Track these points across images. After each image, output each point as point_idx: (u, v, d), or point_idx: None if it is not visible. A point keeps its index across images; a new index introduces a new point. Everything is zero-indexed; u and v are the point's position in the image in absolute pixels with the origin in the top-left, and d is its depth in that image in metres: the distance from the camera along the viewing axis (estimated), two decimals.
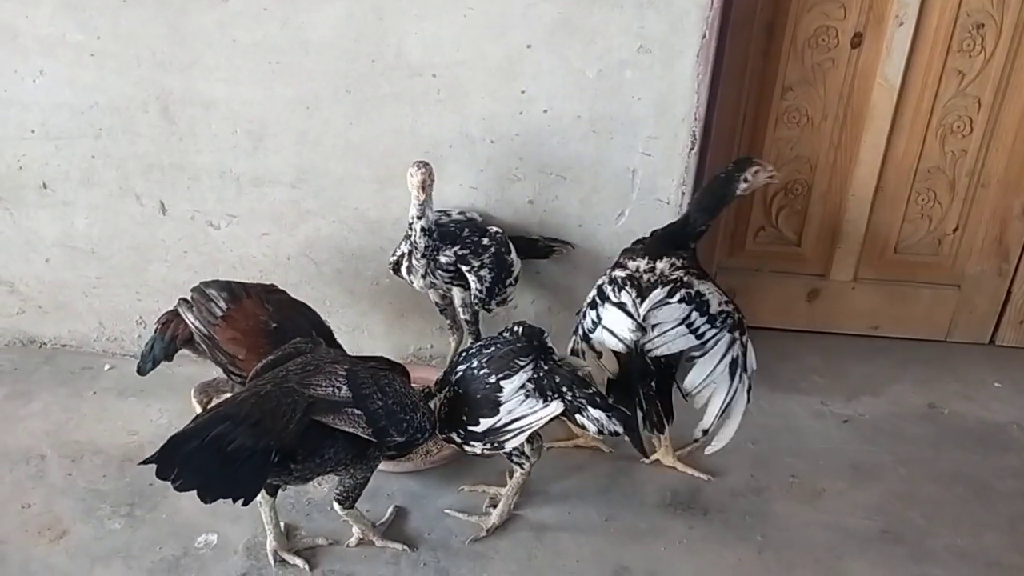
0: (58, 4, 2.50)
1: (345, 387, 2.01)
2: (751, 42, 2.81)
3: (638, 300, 2.35)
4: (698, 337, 2.36)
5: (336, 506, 2.24)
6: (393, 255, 2.60)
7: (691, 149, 2.60)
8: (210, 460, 1.80)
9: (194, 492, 1.79)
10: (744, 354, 2.40)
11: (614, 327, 2.36)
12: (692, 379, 2.38)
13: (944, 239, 3.11)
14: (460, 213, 2.65)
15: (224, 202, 2.74)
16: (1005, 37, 2.79)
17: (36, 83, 2.60)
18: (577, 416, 2.22)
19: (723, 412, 2.39)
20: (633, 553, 2.37)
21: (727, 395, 2.39)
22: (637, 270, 2.43)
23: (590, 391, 2.22)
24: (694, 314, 2.36)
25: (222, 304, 2.35)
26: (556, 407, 2.19)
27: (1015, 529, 2.52)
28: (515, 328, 2.29)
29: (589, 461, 2.66)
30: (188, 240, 2.80)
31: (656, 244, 2.48)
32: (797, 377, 3.04)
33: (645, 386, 2.43)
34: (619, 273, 2.43)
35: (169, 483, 1.78)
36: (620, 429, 2.23)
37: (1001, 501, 2.61)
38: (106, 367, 2.96)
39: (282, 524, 2.33)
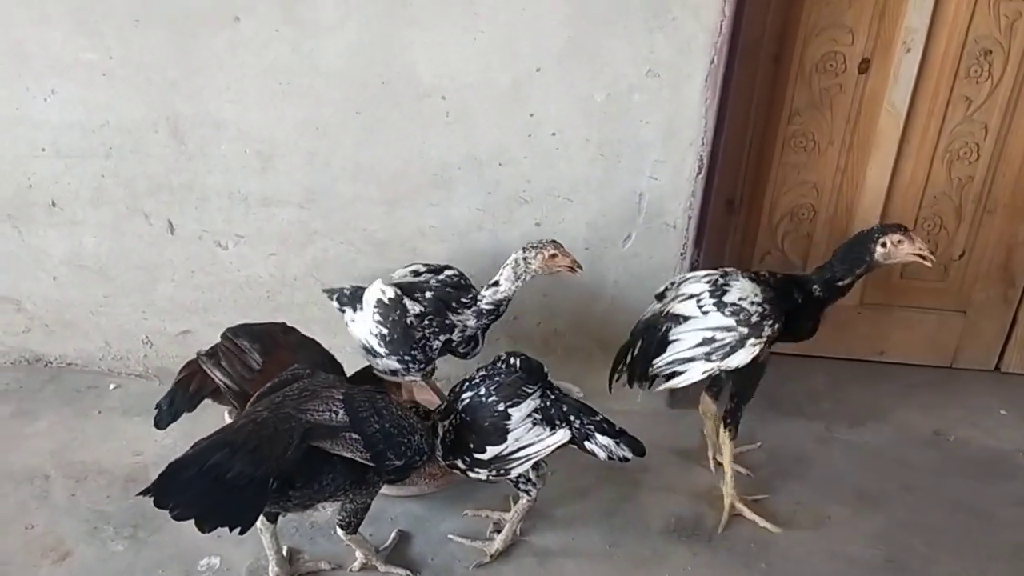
0: (71, 24, 2.51)
1: (342, 411, 2.00)
2: (759, 67, 2.82)
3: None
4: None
5: (339, 531, 2.23)
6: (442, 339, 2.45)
7: (698, 173, 2.61)
8: (208, 488, 1.80)
9: (192, 522, 1.78)
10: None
11: None
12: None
13: (950, 265, 3.11)
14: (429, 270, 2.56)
15: (232, 222, 2.75)
16: (1012, 64, 2.79)
17: (47, 102, 2.61)
18: (585, 443, 2.22)
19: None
20: None
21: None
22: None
23: (597, 418, 2.22)
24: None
25: (257, 357, 2.31)
26: (563, 435, 2.20)
27: (1019, 558, 2.51)
28: (512, 361, 2.27)
29: (594, 486, 2.66)
30: (196, 260, 2.81)
31: (784, 279, 2.46)
32: (802, 402, 3.03)
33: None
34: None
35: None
36: (629, 454, 2.23)
37: (1005, 530, 2.60)
38: (111, 386, 2.96)
39: (285, 548, 2.33)
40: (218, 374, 2.31)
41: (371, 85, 2.53)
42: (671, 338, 2.43)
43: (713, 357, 2.38)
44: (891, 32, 2.77)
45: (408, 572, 2.33)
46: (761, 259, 3.12)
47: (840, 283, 2.43)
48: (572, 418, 2.21)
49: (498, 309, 2.43)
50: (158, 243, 2.79)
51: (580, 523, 2.53)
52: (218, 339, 2.41)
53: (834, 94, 2.86)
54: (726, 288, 2.38)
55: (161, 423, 2.33)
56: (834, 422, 2.98)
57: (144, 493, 1.77)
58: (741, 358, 2.35)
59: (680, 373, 2.42)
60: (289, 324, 2.50)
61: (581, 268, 2.39)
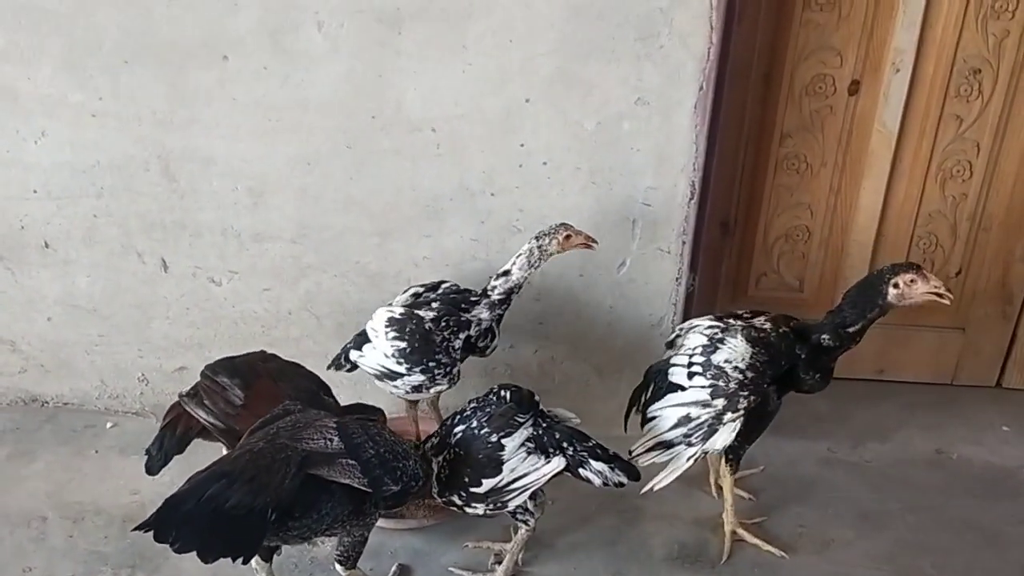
0: (59, 65, 2.52)
1: (337, 438, 1.98)
2: (749, 91, 2.83)
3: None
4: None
5: (338, 567, 2.21)
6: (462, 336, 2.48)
7: (691, 198, 2.61)
8: (208, 520, 1.78)
9: (194, 553, 1.77)
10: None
11: None
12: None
13: (948, 283, 3.06)
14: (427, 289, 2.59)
15: (225, 258, 2.74)
16: (1002, 81, 2.80)
17: (38, 144, 2.62)
18: (580, 470, 2.21)
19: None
20: None
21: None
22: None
23: (590, 444, 2.21)
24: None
25: (238, 392, 2.27)
26: (558, 463, 2.18)
27: None
28: (503, 393, 2.27)
29: (595, 514, 2.63)
30: (190, 297, 2.80)
31: (786, 334, 2.40)
32: (804, 423, 3.01)
33: None
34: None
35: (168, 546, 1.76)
36: (625, 479, 2.22)
37: (1012, 548, 2.58)
38: (108, 425, 2.94)
39: None
40: (202, 413, 2.28)
41: (361, 118, 2.54)
42: (649, 415, 2.42)
43: (694, 440, 2.35)
44: (880, 53, 2.78)
45: None
46: (757, 281, 3.11)
47: (851, 328, 2.38)
48: (566, 445, 2.20)
49: (509, 297, 2.46)
50: (152, 281, 2.79)
51: (582, 552, 2.51)
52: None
53: (825, 116, 2.87)
54: (719, 346, 2.34)
55: (152, 469, 2.31)
56: (836, 443, 2.96)
57: (142, 528, 1.76)
58: (724, 438, 2.33)
59: (663, 464, 2.38)
60: (269, 352, 2.48)
61: (596, 243, 2.42)
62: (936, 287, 2.28)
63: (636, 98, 2.49)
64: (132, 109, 2.58)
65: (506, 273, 2.43)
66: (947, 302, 2.30)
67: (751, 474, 2.78)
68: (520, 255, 2.41)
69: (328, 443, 1.97)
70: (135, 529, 1.77)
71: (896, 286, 2.30)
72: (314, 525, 2.03)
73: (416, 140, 2.56)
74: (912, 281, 2.29)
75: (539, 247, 2.39)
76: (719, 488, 2.62)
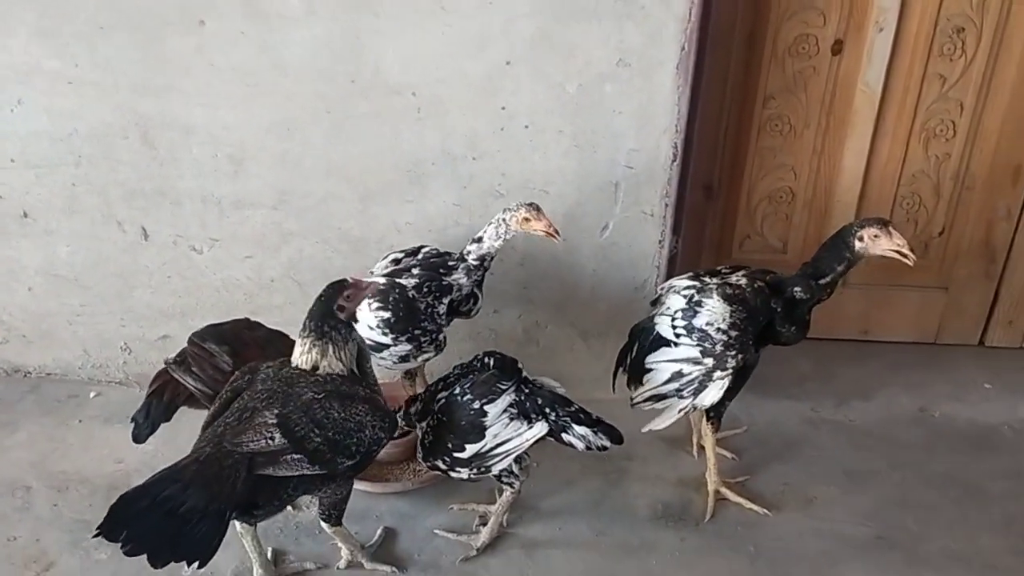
0: (33, 32, 2.49)
1: (278, 435, 1.94)
2: (732, 52, 2.81)
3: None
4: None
5: (323, 525, 2.22)
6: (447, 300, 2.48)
7: (673, 161, 2.60)
8: (161, 521, 1.80)
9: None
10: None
11: None
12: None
13: (931, 242, 3.11)
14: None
15: (206, 226, 2.73)
16: (985, 40, 2.79)
17: (14, 112, 2.59)
18: (563, 435, 2.22)
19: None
20: (625, 568, 2.36)
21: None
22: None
23: (573, 408, 2.22)
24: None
25: (227, 359, 2.27)
26: (541, 428, 2.20)
27: (1010, 531, 2.52)
28: (486, 360, 2.28)
29: (580, 476, 2.65)
30: (171, 265, 2.79)
31: (761, 289, 2.43)
32: (787, 383, 3.03)
33: None
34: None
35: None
36: (607, 443, 2.23)
37: (995, 503, 2.61)
38: (92, 395, 2.94)
39: (269, 550, 2.33)
40: (190, 380, 2.28)
41: (340, 82, 2.51)
42: (647, 365, 2.45)
43: (685, 394, 2.41)
44: (863, 12, 2.76)
45: (394, 569, 2.32)
46: (741, 244, 3.11)
47: (822, 280, 2.40)
48: (548, 410, 2.21)
49: (483, 263, 2.46)
50: (133, 250, 2.77)
51: (567, 513, 2.53)
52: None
53: (808, 76, 2.85)
54: (697, 309, 2.37)
55: (140, 437, 2.31)
56: (820, 403, 2.98)
57: (97, 531, 1.78)
58: (713, 395, 2.39)
59: (660, 411, 2.46)
60: (253, 320, 2.47)
61: (559, 234, 2.38)
62: (899, 245, 2.31)
63: (618, 59, 2.47)
64: (109, 76, 2.55)
65: (479, 240, 2.43)
66: (909, 262, 2.33)
67: (734, 434, 2.79)
68: (491, 224, 2.41)
69: (269, 442, 1.94)
70: (93, 536, 1.79)
71: (861, 239, 2.34)
72: (282, 505, 2.07)
73: (396, 104, 2.54)
74: (876, 236, 2.32)
75: (504, 220, 2.39)
76: (701, 448, 2.64)
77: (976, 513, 2.57)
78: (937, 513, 2.56)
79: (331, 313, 2.03)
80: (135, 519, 1.80)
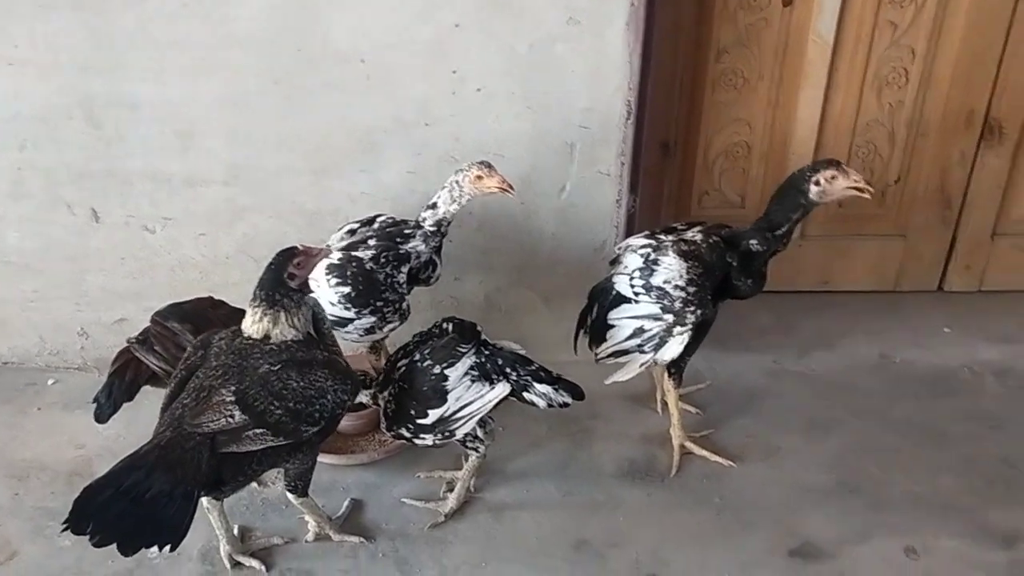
0: None
1: (238, 412, 1.93)
2: (682, 6, 2.79)
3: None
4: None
5: (290, 496, 2.22)
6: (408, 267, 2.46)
7: (627, 119, 2.59)
8: (127, 509, 1.80)
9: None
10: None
11: None
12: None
13: (887, 191, 3.12)
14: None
15: (158, 205, 2.69)
16: None
17: None
18: (525, 394, 2.22)
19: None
20: (593, 526, 2.39)
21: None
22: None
23: (533, 367, 2.22)
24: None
25: (190, 338, 2.23)
26: (503, 388, 2.20)
27: (970, 470, 2.57)
28: (444, 325, 2.27)
29: (546, 438, 2.66)
30: (124, 246, 2.75)
31: (716, 244, 2.44)
32: (749, 337, 3.05)
33: None
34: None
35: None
36: (569, 399, 2.24)
37: (954, 445, 2.65)
38: (50, 382, 2.89)
39: (236, 527, 2.32)
40: (153, 359, 2.26)
41: (287, 52, 2.48)
42: (610, 322, 2.46)
43: (646, 349, 2.43)
44: None
45: (362, 539, 2.33)
46: (699, 200, 3.12)
47: (778, 232, 2.42)
48: (509, 370, 2.22)
49: (440, 228, 2.43)
50: (84, 232, 2.73)
51: (533, 475, 2.54)
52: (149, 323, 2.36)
53: (760, 29, 2.84)
54: (654, 268, 2.38)
55: (102, 417, 2.29)
56: (782, 354, 3.01)
57: (64, 525, 1.78)
58: (673, 350, 2.40)
59: (623, 364, 2.47)
60: (217, 298, 2.45)
61: (513, 189, 2.35)
62: (856, 181, 2.31)
63: (567, 18, 2.45)
64: (51, 56, 2.49)
65: (433, 206, 2.41)
66: (868, 196, 2.33)
67: (697, 389, 2.81)
68: (444, 188, 2.38)
69: (230, 420, 1.93)
70: (63, 530, 1.79)
71: (817, 183, 2.33)
72: (249, 478, 2.06)
73: (346, 72, 2.50)
74: (833, 177, 2.32)
75: (457, 182, 2.36)
76: (665, 405, 2.65)
77: (936, 455, 2.61)
78: (898, 457, 2.60)
79: (281, 281, 2.00)
80: (100, 510, 1.80)
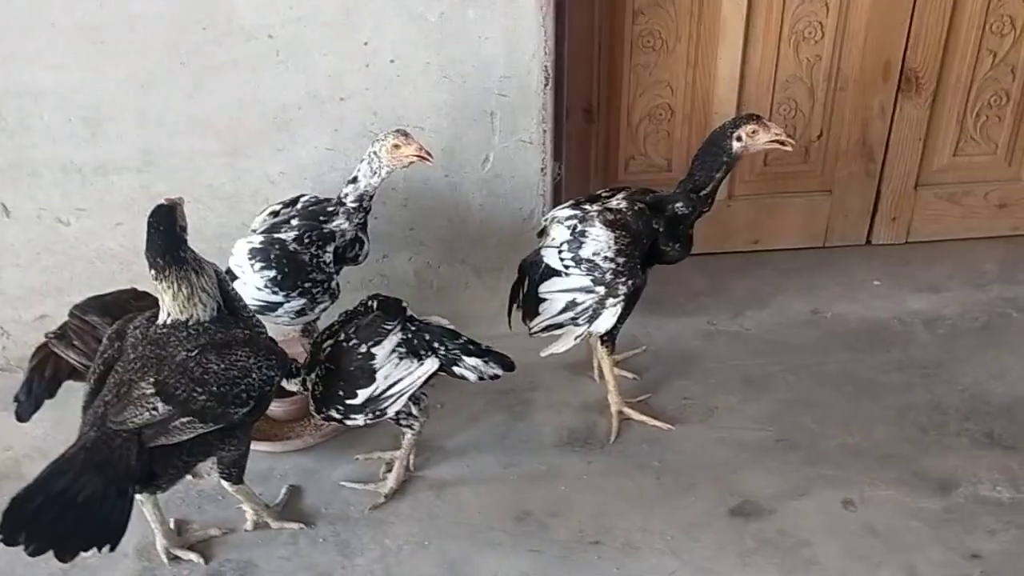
0: None
1: (160, 404, 1.88)
2: None
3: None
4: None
5: (225, 484, 2.18)
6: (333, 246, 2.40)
7: (546, 85, 2.56)
8: (60, 515, 1.75)
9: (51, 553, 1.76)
10: None
11: None
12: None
13: (811, 147, 3.14)
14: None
15: (70, 196, 2.60)
16: None
17: None
18: (454, 368, 2.20)
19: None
20: (534, 496, 2.38)
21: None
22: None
23: (461, 341, 2.20)
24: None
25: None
26: (432, 364, 2.17)
27: (903, 420, 2.60)
28: (369, 303, 2.24)
29: (484, 412, 2.64)
30: (38, 240, 2.66)
31: (642, 210, 2.41)
32: (683, 300, 3.05)
33: None
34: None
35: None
36: (499, 371, 2.23)
37: (888, 395, 2.69)
38: None
39: (172, 520, 2.26)
40: (72, 355, 2.19)
41: (192, 31, 2.40)
42: (541, 295, 2.43)
43: (580, 321, 2.41)
44: None
45: (302, 525, 2.29)
46: (626, 165, 3.10)
47: (703, 192, 2.41)
48: (437, 345, 2.19)
49: (362, 204, 2.38)
50: None
51: (474, 450, 2.53)
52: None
53: None
54: (582, 240, 2.36)
55: (23, 415, 2.22)
56: (715, 315, 3.01)
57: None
58: (607, 321, 2.39)
59: (556, 338, 2.46)
60: (140, 289, 2.38)
61: (431, 156, 2.30)
62: (777, 134, 2.32)
63: None
64: None
65: (354, 180, 2.36)
66: (790, 148, 2.35)
67: (634, 354, 2.81)
68: (363, 161, 2.33)
69: (153, 413, 1.88)
70: None
71: (739, 139, 2.33)
72: (184, 469, 2.01)
73: (253, 49, 2.44)
74: (754, 132, 2.32)
75: (375, 153, 2.30)
76: (601, 372, 2.64)
77: (871, 407, 2.64)
78: (833, 411, 2.63)
79: (181, 237, 1.94)
80: (32, 519, 1.75)
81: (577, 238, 2.37)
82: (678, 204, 2.41)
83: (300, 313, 2.39)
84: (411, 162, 2.31)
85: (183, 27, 2.40)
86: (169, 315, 1.96)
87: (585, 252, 2.35)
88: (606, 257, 2.34)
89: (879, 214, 3.28)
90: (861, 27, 2.92)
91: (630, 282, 2.36)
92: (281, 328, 2.53)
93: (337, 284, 2.43)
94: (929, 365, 2.79)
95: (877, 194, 3.24)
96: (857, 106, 3.06)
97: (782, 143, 2.33)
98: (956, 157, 3.20)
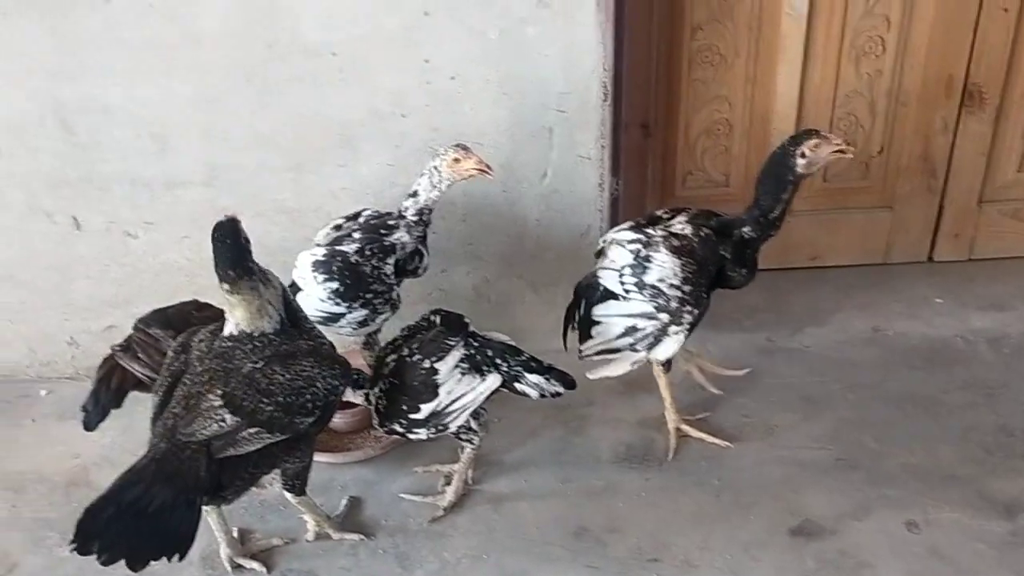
0: None
1: (228, 416, 1.91)
2: None
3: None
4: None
5: (288, 496, 2.20)
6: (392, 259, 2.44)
7: (604, 101, 2.57)
8: (131, 524, 1.79)
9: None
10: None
11: None
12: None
13: (871, 162, 3.10)
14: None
15: (138, 209, 2.67)
16: None
17: None
18: (516, 385, 2.21)
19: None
20: (592, 512, 2.37)
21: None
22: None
23: (523, 358, 2.21)
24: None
25: (172, 344, 2.19)
26: (494, 380, 2.19)
27: (967, 440, 2.55)
28: (432, 318, 2.26)
29: (542, 426, 2.65)
30: (107, 253, 2.73)
31: (708, 237, 2.40)
32: (741, 317, 3.02)
33: None
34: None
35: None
36: (561, 389, 2.23)
37: (951, 415, 2.64)
38: (43, 392, 2.87)
39: (235, 529, 2.30)
40: (137, 367, 2.24)
41: (257, 48, 2.45)
42: (595, 318, 2.43)
43: (639, 348, 2.40)
44: None
45: (362, 536, 2.31)
46: (683, 180, 3.09)
47: (771, 215, 2.39)
48: (499, 361, 2.20)
49: (422, 217, 2.42)
50: (66, 240, 2.70)
51: (531, 464, 2.53)
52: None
53: (734, 4, 2.81)
54: (647, 265, 2.34)
55: (90, 425, 2.27)
56: (774, 332, 2.98)
57: (71, 547, 1.78)
58: (669, 348, 2.38)
59: (610, 362, 2.45)
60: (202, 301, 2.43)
61: (490, 169, 2.33)
62: (839, 144, 2.31)
63: (536, 1, 2.43)
64: (19, 63, 2.47)
65: (414, 194, 2.39)
66: (851, 155, 2.35)
67: (734, 375, 2.76)
68: (423, 175, 2.36)
69: (221, 424, 1.91)
70: (71, 551, 1.79)
71: (803, 155, 2.31)
72: (249, 482, 2.04)
73: (317, 66, 2.48)
74: (816, 145, 2.30)
75: (435, 168, 2.34)
76: (700, 370, 2.67)
77: (933, 426, 2.60)
78: (895, 430, 2.58)
79: (248, 248, 1.96)
80: (105, 528, 1.79)
81: (641, 263, 2.35)
82: (745, 229, 2.40)
83: (362, 324, 2.43)
84: (471, 175, 2.33)
85: (249, 45, 2.45)
86: (236, 327, 1.98)
87: (650, 278, 2.34)
88: (672, 284, 2.33)
89: (941, 230, 3.23)
90: (923, 42, 2.88)
91: (696, 311, 2.36)
92: (343, 340, 2.56)
93: (398, 295, 2.46)
94: (994, 385, 2.74)
95: (939, 210, 3.19)
96: (919, 121, 3.02)
97: (844, 151, 2.32)
98: (1021, 173, 3.15)
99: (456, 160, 2.31)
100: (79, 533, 1.78)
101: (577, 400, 2.63)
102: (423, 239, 2.47)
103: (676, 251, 2.34)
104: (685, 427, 2.56)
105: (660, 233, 2.39)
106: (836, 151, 2.31)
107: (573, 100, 2.56)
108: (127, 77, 2.48)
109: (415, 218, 2.40)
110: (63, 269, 2.75)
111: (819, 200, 3.13)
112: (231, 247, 1.95)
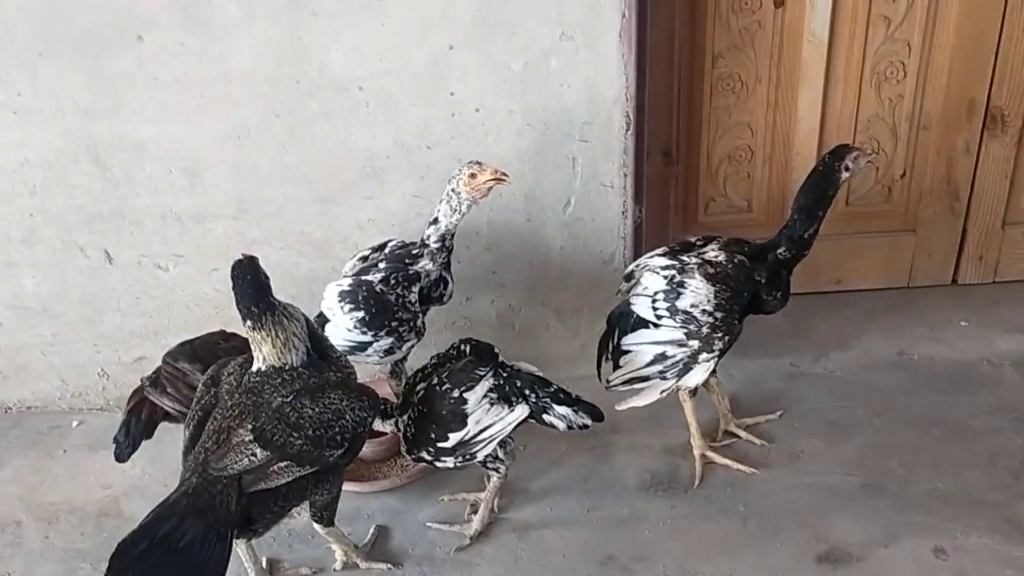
0: None
1: (259, 450, 1.94)
2: (675, 13, 2.79)
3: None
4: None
5: (316, 526, 2.22)
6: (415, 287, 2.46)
7: (627, 130, 2.59)
8: (164, 559, 1.82)
9: None
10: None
11: None
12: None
13: (893, 186, 3.11)
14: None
15: (169, 243, 2.71)
16: None
17: None
18: (544, 416, 2.22)
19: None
20: (618, 540, 2.38)
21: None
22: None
23: (552, 389, 2.22)
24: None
25: (200, 377, 2.22)
26: (522, 411, 2.20)
27: (995, 466, 2.54)
28: (462, 347, 2.28)
29: (566, 454, 2.66)
30: (138, 286, 2.77)
31: (742, 264, 2.42)
32: (765, 342, 3.02)
33: None
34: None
35: None
36: (588, 421, 2.24)
37: (978, 439, 2.63)
38: (74, 423, 2.91)
39: (264, 559, 2.32)
40: (166, 401, 2.27)
41: (285, 84, 2.50)
42: (624, 348, 2.45)
43: (668, 376, 2.42)
44: None
45: (390, 566, 2.33)
46: (706, 207, 3.11)
47: (806, 234, 2.43)
48: (528, 393, 2.22)
49: (445, 243, 2.44)
50: (98, 274, 2.75)
51: (557, 492, 2.54)
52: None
53: (754, 31, 2.85)
54: (680, 291, 2.36)
55: (122, 456, 2.31)
56: (799, 357, 2.99)
57: None
58: (698, 376, 2.41)
59: (638, 392, 2.47)
60: (229, 331, 2.46)
61: (507, 176, 2.33)
62: (869, 153, 2.47)
63: (560, 33, 2.46)
64: (54, 102, 2.53)
65: (435, 220, 2.42)
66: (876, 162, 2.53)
67: (767, 420, 2.75)
68: (442, 200, 2.38)
69: (252, 459, 1.94)
70: None
71: (847, 168, 2.40)
72: (279, 515, 2.06)
73: (344, 101, 2.52)
74: (856, 157, 2.40)
75: (452, 191, 2.35)
76: (727, 434, 2.67)
77: (960, 451, 2.59)
78: (922, 455, 2.58)
79: (268, 286, 1.99)
80: (137, 563, 1.82)
81: (675, 288, 2.37)
82: (780, 250, 2.43)
83: (388, 352, 2.45)
84: (490, 187, 2.34)
85: (277, 81, 2.50)
86: (265, 362, 2.01)
87: (683, 303, 2.36)
88: (704, 311, 2.34)
89: (965, 253, 3.23)
90: (944, 66, 2.90)
91: (727, 338, 2.38)
92: (369, 368, 2.59)
93: (423, 323, 2.49)
94: (1020, 408, 2.73)
95: (963, 233, 3.20)
96: (941, 145, 3.03)
97: (871, 160, 2.47)
98: None
99: (472, 176, 2.32)
100: (112, 567, 1.82)
101: (602, 427, 2.60)
102: (447, 266, 2.50)
103: (710, 278, 2.36)
104: (711, 453, 2.56)
105: (695, 260, 2.41)
106: (868, 160, 2.44)
107: (596, 130, 2.59)
108: (159, 114, 2.53)
109: (437, 245, 2.43)
110: (95, 302, 2.80)
111: (842, 224, 3.14)
112: (251, 283, 1.98)
